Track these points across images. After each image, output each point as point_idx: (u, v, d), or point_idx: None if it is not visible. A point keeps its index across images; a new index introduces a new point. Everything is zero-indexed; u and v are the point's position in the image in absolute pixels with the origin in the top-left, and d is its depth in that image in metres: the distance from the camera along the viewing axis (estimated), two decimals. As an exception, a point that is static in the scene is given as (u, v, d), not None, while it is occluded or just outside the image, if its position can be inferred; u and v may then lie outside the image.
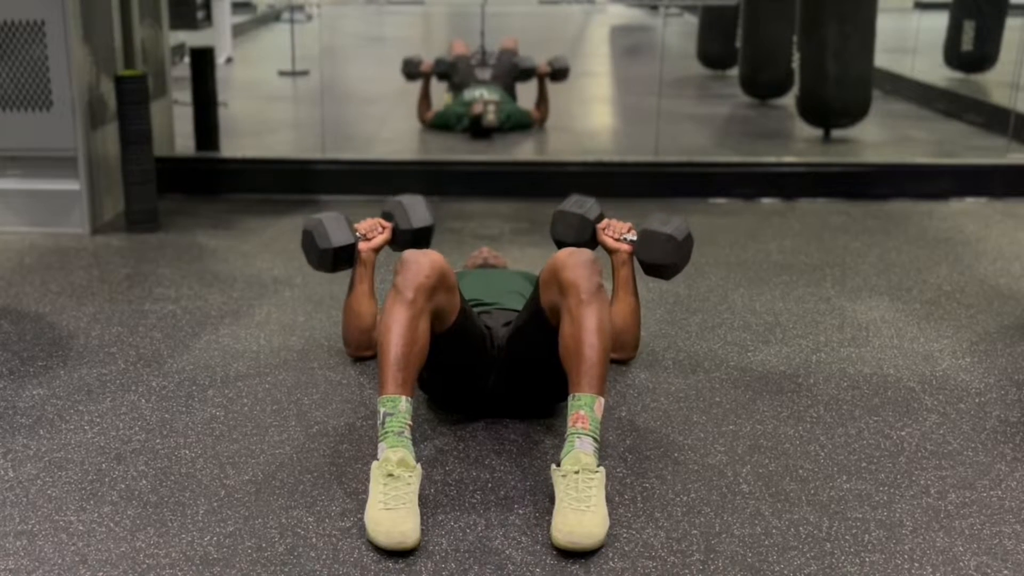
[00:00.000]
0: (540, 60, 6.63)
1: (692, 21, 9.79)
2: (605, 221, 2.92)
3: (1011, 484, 2.42)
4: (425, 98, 6.55)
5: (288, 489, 2.36)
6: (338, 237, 2.84)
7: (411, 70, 6.63)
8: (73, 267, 3.95)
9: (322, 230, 2.83)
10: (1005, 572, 2.08)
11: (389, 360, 2.29)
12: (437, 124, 6.44)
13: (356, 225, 2.95)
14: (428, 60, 6.62)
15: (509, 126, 6.36)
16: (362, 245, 2.90)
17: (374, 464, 2.22)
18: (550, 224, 3.02)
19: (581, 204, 2.95)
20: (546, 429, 2.66)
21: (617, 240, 2.89)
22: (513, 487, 2.38)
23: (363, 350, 2.97)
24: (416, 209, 2.99)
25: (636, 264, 2.97)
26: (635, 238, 2.86)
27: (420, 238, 2.99)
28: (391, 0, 12.56)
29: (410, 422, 2.28)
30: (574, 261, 2.38)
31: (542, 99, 6.54)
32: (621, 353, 2.95)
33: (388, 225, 2.97)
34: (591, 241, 2.91)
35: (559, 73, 6.60)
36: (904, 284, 3.85)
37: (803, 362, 3.13)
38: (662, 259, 2.81)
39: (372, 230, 2.95)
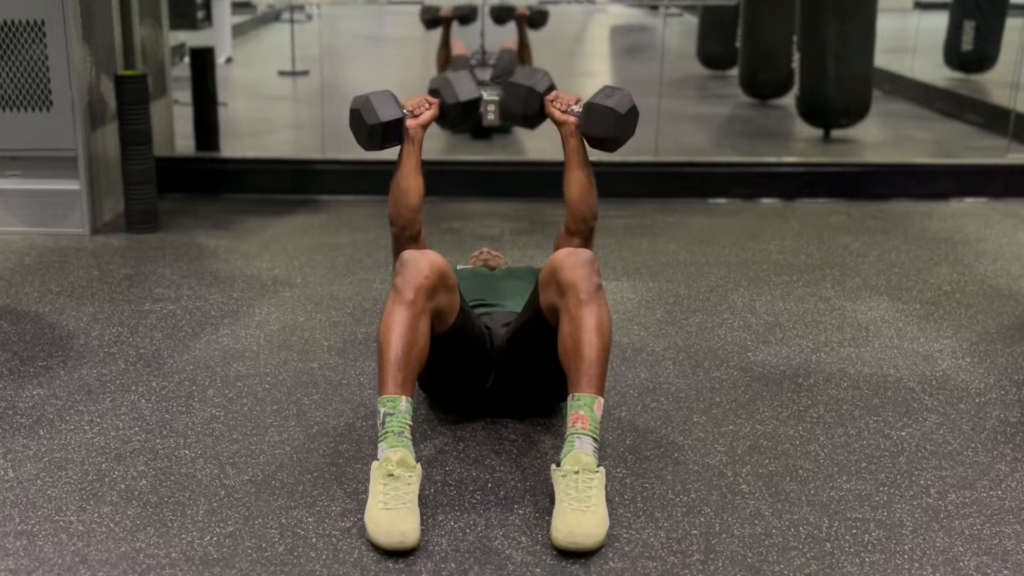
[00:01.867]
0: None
1: (692, 21, 9.79)
2: (554, 93, 2.86)
3: (1011, 484, 2.42)
4: (446, 46, 6.33)
5: (288, 489, 2.36)
6: (385, 112, 2.76)
7: (430, 17, 6.43)
8: (73, 267, 3.95)
9: (370, 107, 2.74)
10: (1005, 572, 2.08)
11: (389, 360, 2.29)
12: None
13: (403, 102, 2.88)
14: (447, 7, 6.45)
15: (509, 126, 6.35)
16: (410, 121, 2.81)
17: (374, 464, 2.22)
18: (502, 95, 2.94)
19: (531, 75, 2.90)
20: (546, 429, 2.66)
21: (564, 112, 2.85)
22: (513, 487, 2.38)
23: (407, 229, 2.83)
24: (463, 83, 2.91)
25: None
26: (581, 109, 2.81)
27: (468, 111, 2.91)
28: (391, 0, 12.56)
29: (410, 422, 2.28)
30: (573, 261, 2.38)
31: (523, 45, 6.39)
32: (582, 224, 2.84)
33: (435, 101, 2.90)
34: (539, 113, 2.87)
35: (538, 17, 6.44)
36: (904, 284, 3.85)
37: (803, 362, 3.13)
38: (604, 132, 2.76)
39: (419, 106, 2.88)
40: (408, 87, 6.71)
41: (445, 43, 6.33)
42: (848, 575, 2.06)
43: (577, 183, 2.80)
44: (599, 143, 2.80)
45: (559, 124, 2.80)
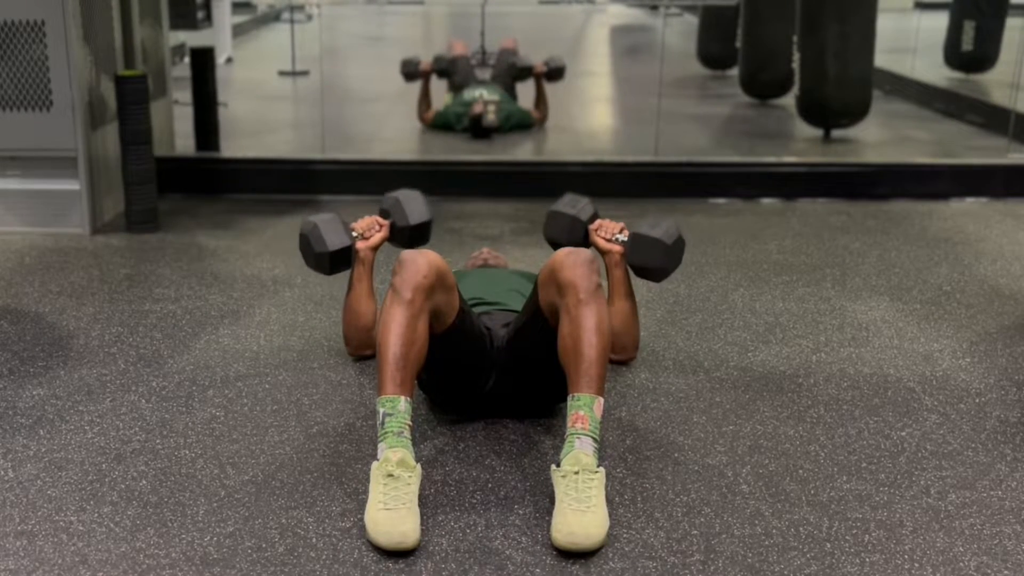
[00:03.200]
0: (538, 61, 6.61)
1: (692, 21, 9.79)
2: (598, 222, 2.91)
3: (1011, 484, 2.42)
4: (425, 98, 6.52)
5: (288, 489, 2.36)
6: (333, 240, 2.83)
7: (410, 70, 6.58)
8: (73, 267, 3.95)
9: (317, 234, 2.83)
10: (1005, 572, 2.08)
11: (388, 360, 2.29)
12: (437, 124, 6.43)
13: (353, 224, 2.94)
14: (427, 60, 6.59)
15: (509, 126, 6.35)
16: (360, 244, 2.89)
17: (374, 464, 2.22)
18: (544, 224, 3.01)
19: (574, 204, 2.94)
20: (545, 429, 2.66)
21: (609, 241, 2.88)
22: (513, 487, 2.38)
23: (363, 349, 2.97)
24: (413, 205, 2.97)
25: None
26: (626, 239, 2.85)
27: (418, 234, 2.98)
28: (391, 0, 12.56)
29: (409, 422, 2.28)
30: (572, 261, 2.38)
31: (540, 99, 6.53)
32: (622, 355, 2.95)
33: (385, 223, 2.95)
34: (583, 242, 2.91)
35: (555, 72, 6.57)
36: (904, 284, 3.85)
37: (803, 362, 3.13)
38: (651, 263, 2.80)
39: (370, 228, 2.94)
40: (408, 86, 6.71)
41: (425, 95, 6.46)
42: (848, 575, 2.06)
43: (621, 314, 2.82)
44: (645, 273, 2.82)
45: (603, 253, 2.81)
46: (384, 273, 3.62)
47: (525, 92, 6.77)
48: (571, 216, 2.90)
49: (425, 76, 6.49)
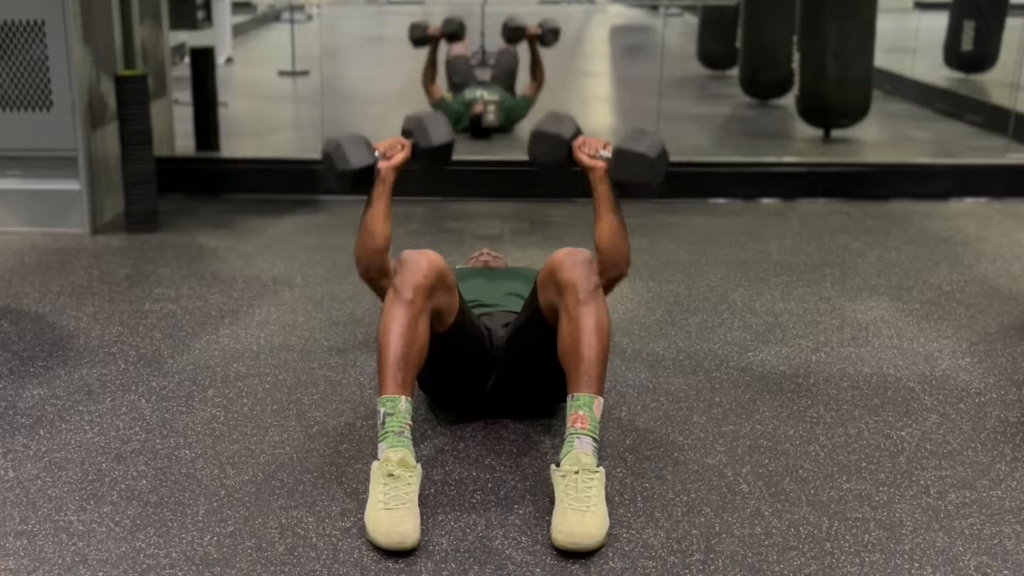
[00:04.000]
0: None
1: (692, 21, 9.79)
2: (581, 138, 2.85)
3: (1011, 484, 2.42)
4: (432, 65, 6.36)
5: (288, 489, 2.36)
6: (357, 158, 2.75)
7: (418, 35, 6.42)
8: (73, 267, 3.95)
9: (341, 152, 2.74)
10: (1005, 572, 2.08)
11: (388, 360, 2.29)
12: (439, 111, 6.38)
13: (375, 144, 2.87)
14: (435, 24, 6.46)
15: (509, 124, 6.35)
16: (382, 164, 2.81)
17: (374, 464, 2.22)
18: (528, 144, 2.94)
19: (557, 122, 2.88)
20: (545, 429, 2.66)
21: (592, 157, 2.83)
22: (513, 487, 2.38)
23: (372, 271, 2.81)
24: (436, 125, 2.90)
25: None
26: (610, 155, 2.80)
27: (440, 155, 2.91)
28: (391, 0, 12.56)
29: (410, 422, 2.28)
30: (571, 261, 2.38)
31: (535, 64, 6.39)
32: (614, 271, 2.76)
33: (408, 143, 2.89)
34: (567, 159, 2.86)
35: (549, 35, 6.43)
36: (904, 284, 3.85)
37: (803, 362, 3.13)
38: (636, 178, 2.73)
39: (392, 148, 2.87)
40: (409, 86, 6.71)
41: (431, 62, 6.35)
42: (848, 575, 2.06)
43: (608, 229, 2.75)
44: (628, 188, 2.78)
45: (587, 170, 2.77)
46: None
47: (523, 80, 6.69)
48: (554, 134, 2.84)
49: (434, 41, 6.38)
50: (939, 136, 6.60)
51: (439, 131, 2.86)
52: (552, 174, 2.89)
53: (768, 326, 3.42)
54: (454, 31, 6.47)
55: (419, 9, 12.35)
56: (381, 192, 2.76)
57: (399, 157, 2.81)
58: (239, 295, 3.66)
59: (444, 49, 6.74)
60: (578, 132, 2.82)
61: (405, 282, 2.35)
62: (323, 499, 2.31)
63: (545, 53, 6.62)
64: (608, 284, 2.66)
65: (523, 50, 6.69)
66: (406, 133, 2.88)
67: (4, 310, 3.50)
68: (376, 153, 2.79)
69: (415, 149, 2.85)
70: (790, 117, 6.71)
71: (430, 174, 2.89)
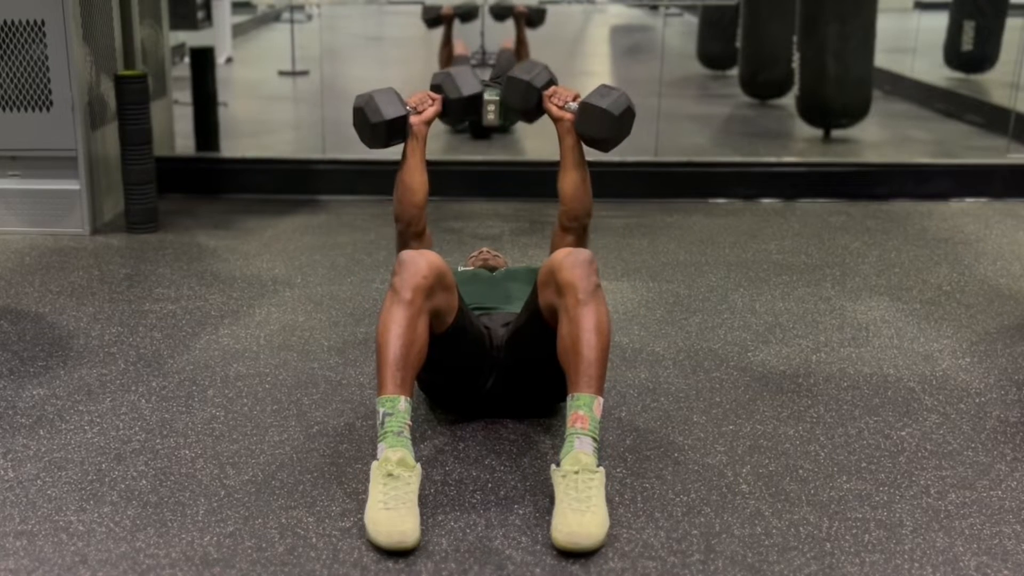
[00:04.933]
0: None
1: (692, 21, 9.79)
2: (552, 88, 2.86)
3: (1011, 484, 2.42)
4: (447, 44, 6.35)
5: (288, 489, 2.36)
6: (389, 110, 2.75)
7: (431, 16, 6.43)
8: (73, 267, 3.95)
9: (373, 104, 2.74)
10: (1005, 572, 2.08)
11: (388, 360, 2.29)
12: None
13: (406, 99, 2.87)
14: (448, 5, 6.47)
15: (509, 124, 6.34)
16: (413, 118, 2.81)
17: (374, 464, 2.22)
18: (502, 88, 2.93)
19: (530, 70, 2.89)
20: (545, 429, 2.66)
21: (561, 108, 2.84)
22: (513, 487, 2.38)
23: (412, 226, 2.84)
24: (465, 78, 2.91)
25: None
26: (576, 107, 2.81)
27: (471, 106, 2.91)
28: (391, 0, 12.56)
29: (409, 422, 2.28)
30: (571, 261, 2.38)
31: (520, 42, 6.40)
32: (575, 221, 2.83)
33: (438, 97, 2.89)
34: (537, 107, 2.87)
35: (536, 15, 6.44)
36: (904, 284, 3.85)
37: (803, 362, 3.13)
38: (598, 133, 2.75)
39: (422, 103, 2.87)
40: (409, 87, 6.71)
41: (447, 41, 6.33)
42: (848, 575, 2.06)
43: (571, 180, 2.80)
44: (593, 143, 2.79)
45: (555, 120, 2.80)
46: (384, 275, 3.62)
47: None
48: (526, 82, 2.85)
49: (448, 20, 6.38)
50: (939, 136, 6.60)
51: (468, 83, 2.88)
52: (522, 120, 2.92)
53: (768, 326, 3.42)
54: (467, 11, 6.46)
55: (419, 9, 12.36)
56: (415, 147, 2.79)
57: (430, 111, 2.84)
58: (239, 295, 3.66)
59: (453, 50, 6.76)
60: (551, 82, 2.85)
61: (404, 282, 2.35)
62: (323, 499, 2.31)
63: (545, 54, 6.63)
64: (577, 234, 2.78)
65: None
66: (435, 88, 2.89)
67: (4, 310, 3.50)
68: (407, 107, 2.79)
69: (446, 102, 2.86)
70: (790, 117, 6.71)
71: (459, 126, 2.95)
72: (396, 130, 2.76)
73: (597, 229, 2.87)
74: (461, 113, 2.90)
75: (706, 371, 3.05)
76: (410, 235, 2.82)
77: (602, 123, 2.70)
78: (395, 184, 2.82)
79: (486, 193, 5.10)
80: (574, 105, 2.78)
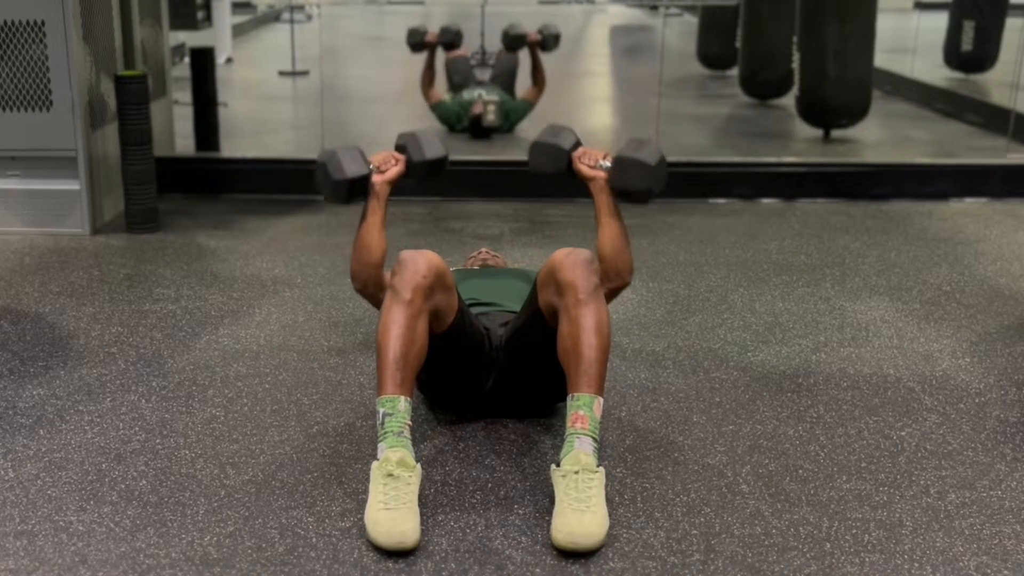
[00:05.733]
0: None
1: (692, 21, 9.79)
2: (581, 149, 2.87)
3: (1011, 484, 2.42)
4: (429, 69, 6.43)
5: (288, 489, 2.36)
6: (352, 168, 2.76)
7: (416, 40, 6.48)
8: (73, 267, 3.95)
9: (336, 161, 2.75)
10: (1005, 572, 2.08)
11: (387, 360, 2.29)
12: (439, 114, 6.40)
13: (370, 158, 2.88)
14: (433, 31, 6.52)
15: (509, 125, 6.35)
16: (376, 177, 2.82)
17: (374, 464, 2.22)
18: (528, 156, 2.95)
19: (556, 133, 2.90)
20: (545, 429, 2.66)
21: (592, 167, 2.84)
22: (513, 487, 2.38)
23: (368, 286, 2.83)
24: (429, 141, 2.92)
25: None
26: (610, 164, 2.81)
27: (434, 170, 2.93)
28: (391, 0, 12.56)
29: (409, 422, 2.28)
30: (571, 261, 2.38)
31: (536, 69, 6.44)
32: (617, 280, 2.77)
33: (402, 157, 2.90)
34: (567, 170, 2.88)
35: (549, 40, 6.48)
36: (904, 284, 3.85)
37: (803, 362, 3.13)
38: (635, 185, 2.75)
39: (386, 162, 2.87)
40: (408, 87, 6.71)
41: (429, 66, 6.41)
42: (848, 575, 2.06)
43: (610, 238, 2.75)
44: (630, 196, 2.79)
45: (588, 180, 2.78)
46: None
47: (523, 81, 6.70)
48: (554, 145, 2.86)
49: (431, 47, 6.43)
50: (939, 136, 6.60)
51: (432, 146, 2.89)
52: (551, 183, 2.91)
53: (768, 326, 3.42)
54: (451, 40, 6.53)
55: (419, 9, 12.36)
56: (375, 206, 2.78)
57: (393, 171, 2.83)
58: (239, 295, 3.66)
59: (442, 55, 6.77)
60: (578, 143, 2.85)
61: (404, 282, 2.35)
62: (323, 499, 2.31)
63: (545, 54, 6.63)
64: (610, 293, 2.68)
65: (523, 56, 6.70)
66: (400, 148, 2.90)
67: (4, 310, 3.50)
68: (371, 166, 2.81)
69: (409, 163, 2.87)
70: (790, 117, 6.71)
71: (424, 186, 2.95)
72: (358, 188, 2.78)
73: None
74: (425, 175, 2.91)
75: (706, 371, 3.05)
76: (368, 295, 2.83)
77: (639, 175, 2.72)
78: (354, 242, 2.82)
79: (486, 193, 5.10)
80: (605, 163, 2.79)
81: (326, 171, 2.76)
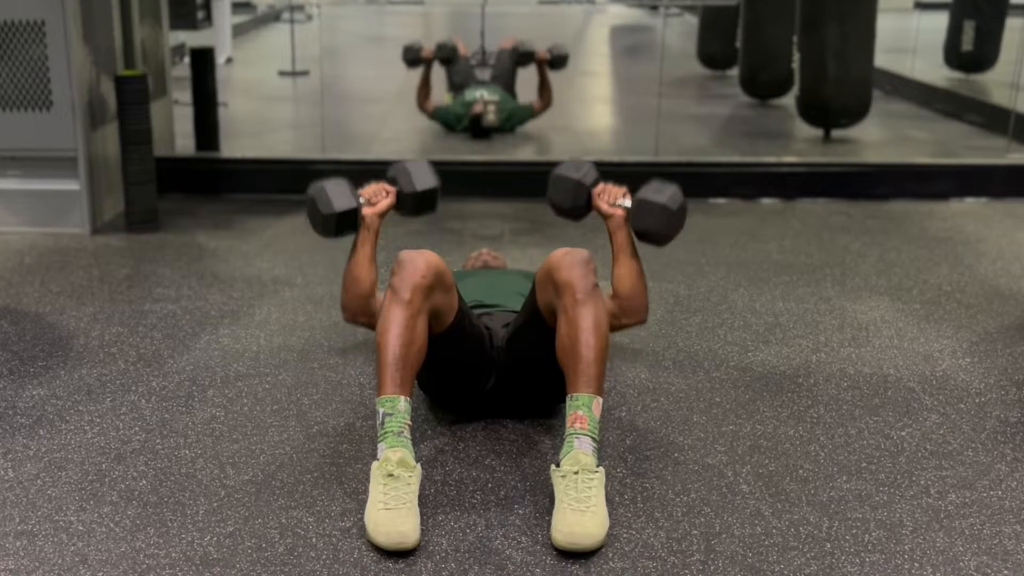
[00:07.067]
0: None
1: (692, 21, 9.79)
2: (601, 186, 2.88)
3: (1011, 484, 2.42)
4: (425, 85, 6.48)
5: (288, 489, 2.36)
6: (341, 202, 2.78)
7: (412, 56, 6.54)
8: (73, 267, 3.95)
9: (324, 195, 2.77)
10: (1005, 572, 2.08)
11: (387, 360, 2.29)
12: (439, 118, 6.41)
13: (360, 190, 2.89)
14: (428, 47, 6.56)
15: (510, 126, 6.35)
16: (366, 210, 2.83)
17: (374, 464, 2.22)
18: (547, 188, 2.95)
19: (578, 168, 2.90)
20: (545, 429, 2.66)
21: (612, 206, 2.84)
22: (513, 487, 2.38)
23: (359, 317, 2.85)
24: (420, 172, 2.93)
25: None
26: (630, 204, 2.82)
27: (424, 201, 2.93)
28: (391, 0, 12.56)
29: (409, 422, 2.28)
30: (569, 261, 2.38)
31: (543, 86, 6.49)
32: (634, 318, 2.78)
33: (392, 189, 2.90)
34: (586, 206, 2.88)
35: (558, 60, 6.53)
36: (904, 284, 3.85)
37: (803, 362, 3.13)
38: (655, 228, 2.77)
39: (376, 195, 2.88)
40: (408, 87, 6.71)
41: (425, 82, 6.44)
42: (848, 575, 2.06)
43: (627, 277, 2.75)
44: (646, 237, 2.80)
45: (606, 217, 2.79)
46: (383, 275, 3.62)
47: (527, 87, 6.72)
48: (575, 180, 2.86)
49: (427, 63, 6.47)
50: (939, 136, 6.60)
51: (423, 177, 2.90)
52: (569, 219, 2.92)
53: (768, 326, 3.42)
54: (447, 56, 6.58)
55: (419, 9, 12.38)
56: (365, 238, 2.79)
57: (384, 204, 2.84)
58: (239, 295, 3.66)
59: (439, 68, 6.79)
60: (598, 180, 2.86)
61: (403, 282, 2.35)
62: (323, 499, 2.32)
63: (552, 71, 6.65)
64: (621, 327, 2.69)
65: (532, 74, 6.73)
66: (390, 180, 2.90)
67: (4, 310, 3.50)
68: (360, 199, 2.81)
69: (399, 195, 2.88)
70: (790, 117, 6.71)
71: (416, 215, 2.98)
72: (347, 222, 2.79)
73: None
74: (415, 207, 2.91)
75: (706, 371, 3.05)
76: (360, 324, 2.85)
77: (660, 218, 2.74)
78: (344, 274, 2.83)
79: (486, 193, 5.09)
80: (624, 201, 2.80)
81: (315, 205, 2.78)
